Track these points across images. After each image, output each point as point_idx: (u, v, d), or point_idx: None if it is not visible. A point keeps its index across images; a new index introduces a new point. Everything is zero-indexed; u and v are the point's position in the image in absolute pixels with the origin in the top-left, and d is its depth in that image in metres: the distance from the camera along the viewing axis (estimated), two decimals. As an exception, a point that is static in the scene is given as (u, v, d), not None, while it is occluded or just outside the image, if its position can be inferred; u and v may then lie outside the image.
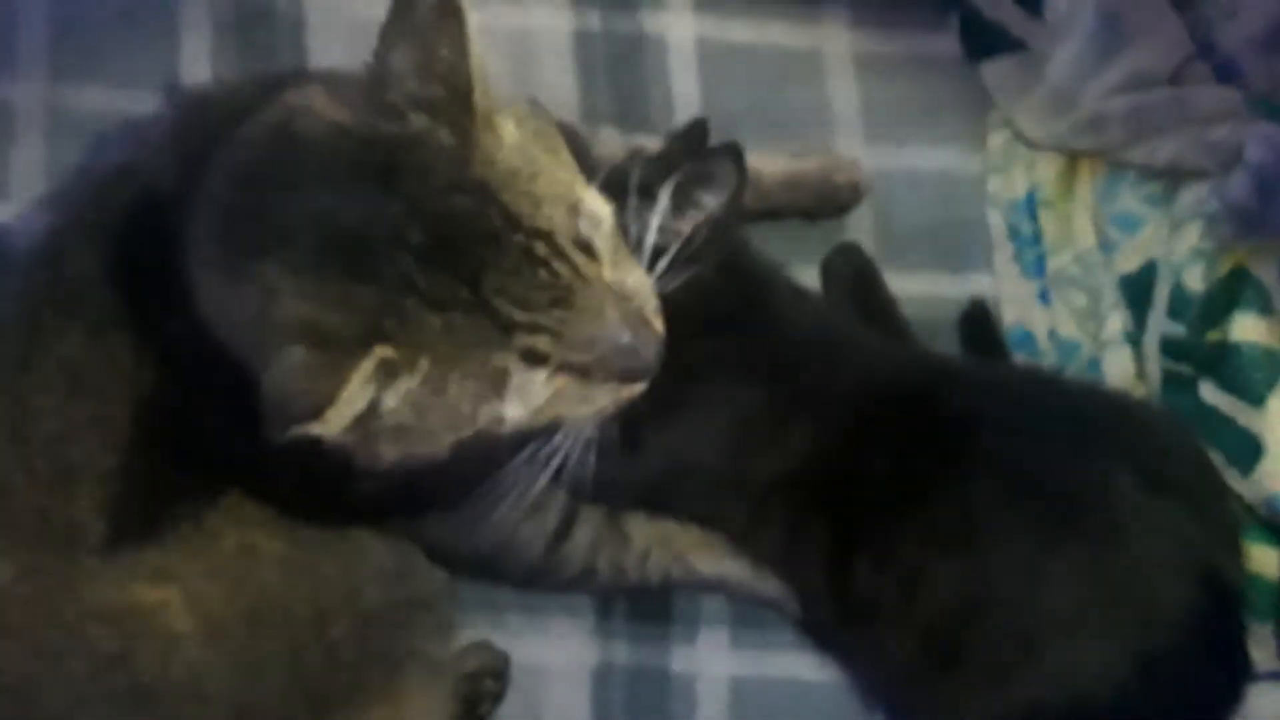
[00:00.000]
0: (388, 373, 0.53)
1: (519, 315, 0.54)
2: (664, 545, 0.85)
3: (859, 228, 0.95)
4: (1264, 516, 0.78)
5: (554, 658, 0.88)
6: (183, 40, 0.94)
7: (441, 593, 0.81)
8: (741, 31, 0.99)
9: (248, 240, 0.55)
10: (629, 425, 0.73)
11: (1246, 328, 0.79)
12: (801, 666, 0.87)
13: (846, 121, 0.97)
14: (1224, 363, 0.79)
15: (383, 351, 0.53)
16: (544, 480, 0.65)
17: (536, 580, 0.84)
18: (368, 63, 0.56)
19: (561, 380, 0.58)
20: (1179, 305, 0.83)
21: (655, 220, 0.65)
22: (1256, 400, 0.78)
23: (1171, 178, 0.87)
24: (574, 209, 0.57)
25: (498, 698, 0.87)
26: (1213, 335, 0.81)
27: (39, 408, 0.65)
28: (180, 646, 0.66)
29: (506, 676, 0.87)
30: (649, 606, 0.88)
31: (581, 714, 0.87)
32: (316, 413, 0.51)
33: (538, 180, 0.57)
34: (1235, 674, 0.76)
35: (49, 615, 0.64)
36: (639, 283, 0.61)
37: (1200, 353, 0.82)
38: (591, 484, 0.80)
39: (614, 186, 0.65)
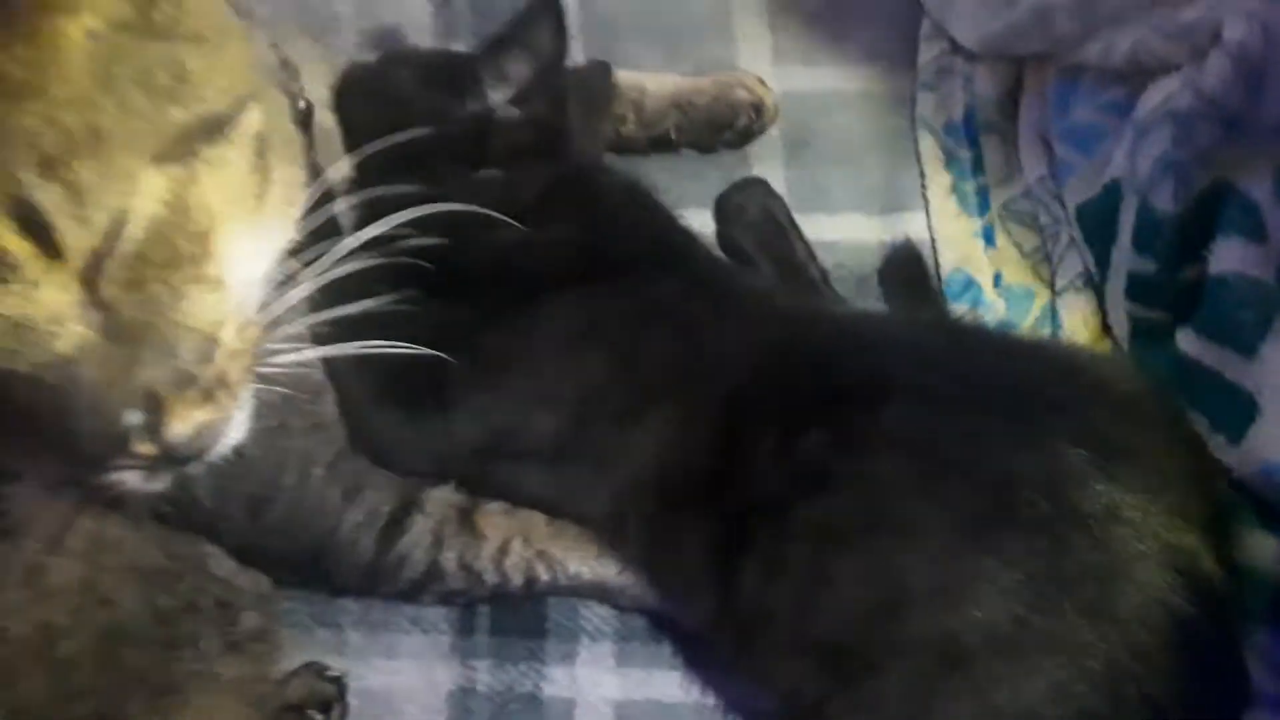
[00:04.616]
0: None
1: None
2: (525, 539, 0.72)
3: (766, 161, 0.81)
4: (1259, 492, 0.61)
5: (404, 682, 0.75)
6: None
7: (244, 601, 0.67)
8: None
9: None
10: (434, 379, 0.61)
11: (1231, 257, 0.62)
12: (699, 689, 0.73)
13: (751, 35, 0.84)
14: (1204, 303, 0.63)
15: None
16: None
17: (374, 585, 0.71)
18: None
19: None
20: (1147, 234, 0.66)
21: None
22: (1247, 348, 0.61)
23: (1134, 79, 0.71)
24: (50, 166, 0.38)
25: (329, 732, 0.73)
26: (1189, 270, 0.65)
27: None
28: None
29: (339, 708, 0.73)
30: (517, 619, 0.75)
31: (436, 748, 0.74)
32: None
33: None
34: (1229, 697, 0.60)
35: None
36: (187, 327, 0.44)
37: (1174, 292, 0.65)
38: (371, 449, 0.67)
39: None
